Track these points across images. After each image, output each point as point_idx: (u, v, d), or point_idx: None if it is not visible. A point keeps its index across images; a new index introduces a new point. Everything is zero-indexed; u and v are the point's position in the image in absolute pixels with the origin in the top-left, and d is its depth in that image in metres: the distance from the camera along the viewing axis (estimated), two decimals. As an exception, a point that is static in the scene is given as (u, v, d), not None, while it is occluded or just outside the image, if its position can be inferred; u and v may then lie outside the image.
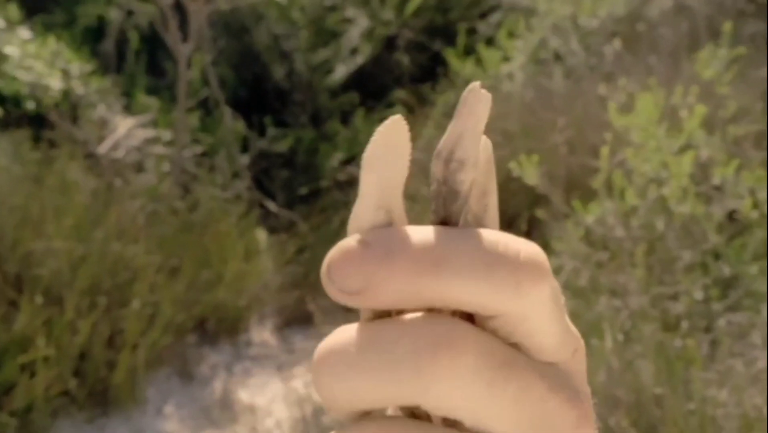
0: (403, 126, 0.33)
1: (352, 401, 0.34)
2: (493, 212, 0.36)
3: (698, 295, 2.89)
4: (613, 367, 2.62)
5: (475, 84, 0.34)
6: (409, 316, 0.34)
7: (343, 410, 0.35)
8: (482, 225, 0.35)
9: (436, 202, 0.35)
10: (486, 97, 0.34)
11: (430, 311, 0.34)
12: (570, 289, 3.10)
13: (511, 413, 0.34)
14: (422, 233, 0.34)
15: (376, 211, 0.34)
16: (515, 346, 0.35)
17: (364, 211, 0.34)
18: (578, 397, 0.36)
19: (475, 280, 0.33)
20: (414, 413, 0.35)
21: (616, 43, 4.66)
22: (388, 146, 0.33)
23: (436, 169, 0.35)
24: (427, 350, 0.33)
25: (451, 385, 0.33)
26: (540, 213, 3.52)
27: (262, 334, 4.21)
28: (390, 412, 0.36)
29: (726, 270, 2.93)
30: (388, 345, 0.33)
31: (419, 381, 0.33)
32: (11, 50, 4.34)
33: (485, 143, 0.35)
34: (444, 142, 0.34)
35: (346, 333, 0.34)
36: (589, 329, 2.81)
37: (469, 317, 0.35)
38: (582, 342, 0.37)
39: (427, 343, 0.33)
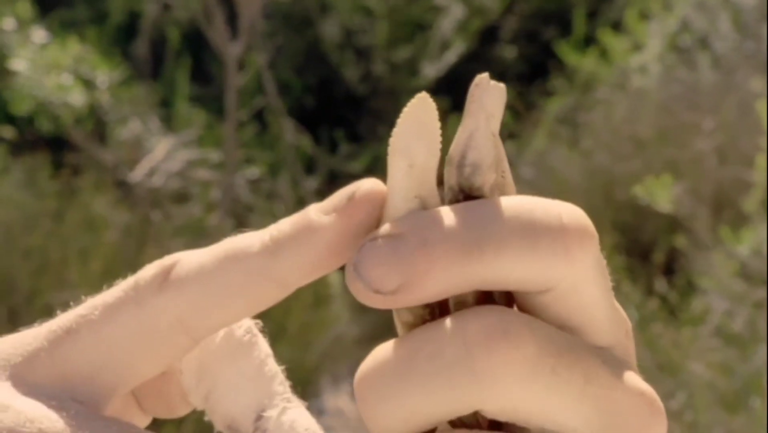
0: (430, 104, 0.37)
1: (404, 421, 0.36)
2: (510, 180, 0.39)
3: None
4: (779, 434, 2.60)
5: (482, 76, 0.37)
6: (452, 315, 0.36)
7: None
8: (504, 194, 0.38)
9: None
10: (496, 88, 0.37)
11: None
12: (722, 336, 3.07)
13: (580, 406, 0.36)
14: (454, 212, 0.36)
15: (409, 202, 0.37)
16: (566, 329, 0.37)
17: (396, 203, 0.37)
18: (645, 384, 0.38)
19: (522, 252, 0.36)
20: (463, 421, 0.37)
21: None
22: (416, 128, 0.37)
23: (449, 176, 0.38)
24: (481, 345, 0.35)
25: (512, 380, 0.35)
26: (681, 242, 3.49)
27: (337, 399, 4.24)
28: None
29: None
30: (435, 349, 0.36)
31: (477, 382, 0.35)
32: (22, 62, 4.42)
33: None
34: (454, 146, 0.37)
35: (386, 349, 0.37)
36: (747, 387, 2.79)
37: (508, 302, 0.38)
38: (629, 323, 0.40)
39: (479, 338, 0.35)
